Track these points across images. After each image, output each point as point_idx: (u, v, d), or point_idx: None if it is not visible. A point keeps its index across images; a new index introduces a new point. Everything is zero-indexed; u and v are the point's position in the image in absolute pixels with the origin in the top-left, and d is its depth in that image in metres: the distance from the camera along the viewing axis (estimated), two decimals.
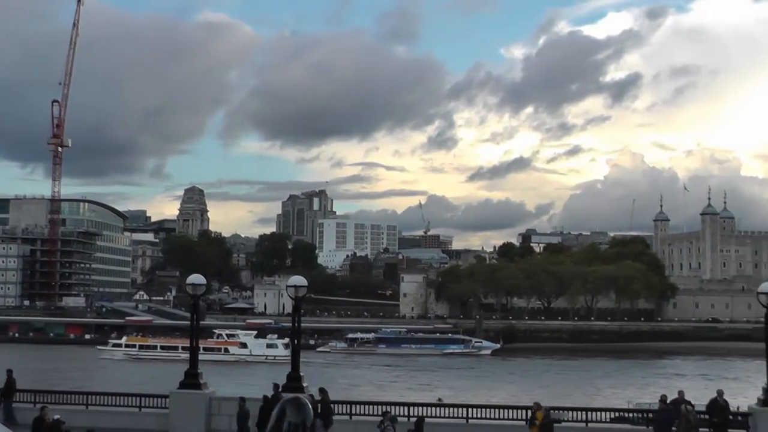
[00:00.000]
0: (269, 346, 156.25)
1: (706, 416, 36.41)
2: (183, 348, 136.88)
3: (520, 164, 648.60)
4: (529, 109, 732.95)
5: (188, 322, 51.02)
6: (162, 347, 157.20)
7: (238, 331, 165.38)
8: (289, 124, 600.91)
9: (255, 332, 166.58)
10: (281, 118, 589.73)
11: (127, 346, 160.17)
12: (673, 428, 34.19)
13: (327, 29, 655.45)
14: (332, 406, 34.61)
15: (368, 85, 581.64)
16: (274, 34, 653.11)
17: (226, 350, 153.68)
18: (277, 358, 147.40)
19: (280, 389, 34.84)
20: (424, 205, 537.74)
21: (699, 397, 41.17)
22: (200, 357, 36.72)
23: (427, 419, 33.80)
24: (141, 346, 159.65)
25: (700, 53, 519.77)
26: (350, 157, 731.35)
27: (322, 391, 34.57)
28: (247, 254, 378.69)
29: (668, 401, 35.88)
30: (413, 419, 34.01)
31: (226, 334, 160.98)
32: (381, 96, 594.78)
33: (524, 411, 35.99)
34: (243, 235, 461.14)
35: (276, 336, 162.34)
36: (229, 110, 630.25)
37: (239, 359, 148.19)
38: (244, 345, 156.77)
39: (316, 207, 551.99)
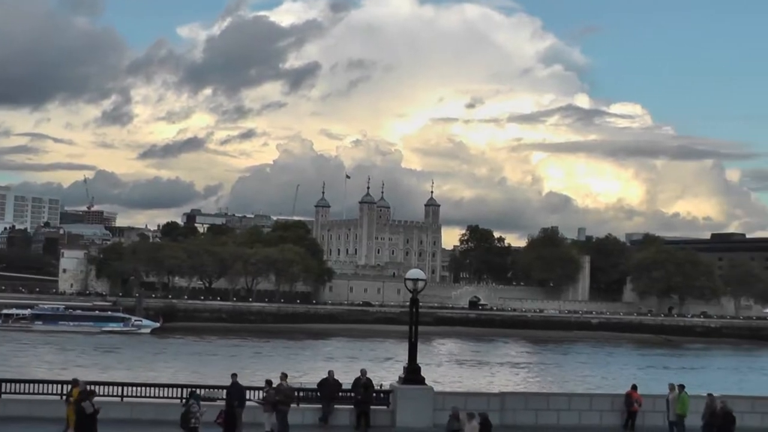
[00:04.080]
0: None
1: (351, 394, 39.85)
2: None
3: (193, 144, 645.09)
4: (208, 91, 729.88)
5: None
6: None
7: None
8: None
9: None
10: None
11: None
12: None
13: None
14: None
15: (43, 53, 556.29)
16: None
17: None
18: None
19: None
20: (93, 181, 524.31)
21: (349, 376, 44.25)
22: None
23: None
24: None
25: (375, 49, 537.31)
26: (18, 127, 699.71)
27: None
28: None
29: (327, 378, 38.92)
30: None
31: None
32: (56, 66, 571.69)
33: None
34: None
35: None
36: None
37: None
38: None
39: None
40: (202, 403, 33.31)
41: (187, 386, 40.38)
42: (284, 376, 37.79)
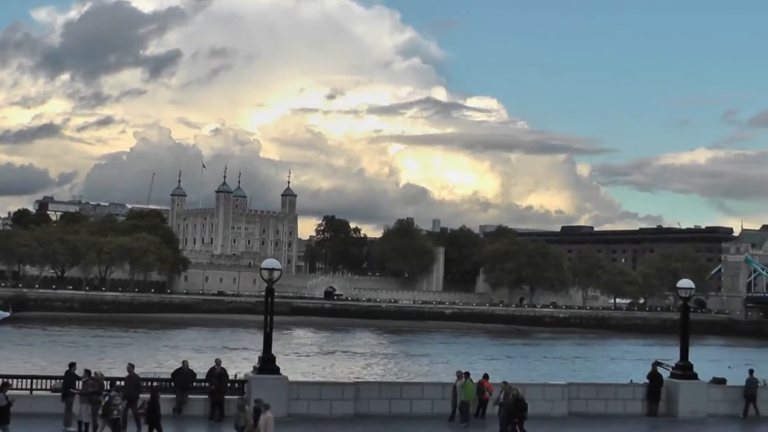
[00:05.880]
0: None
1: (205, 383, 39.82)
2: None
3: (48, 130, 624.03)
4: (66, 76, 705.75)
5: None
6: None
7: None
8: None
9: None
10: None
11: None
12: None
13: None
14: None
15: None
16: None
17: None
18: None
19: None
20: None
21: (203, 366, 44.23)
22: None
23: None
24: None
25: (237, 38, 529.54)
26: None
27: None
28: None
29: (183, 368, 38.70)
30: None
31: None
32: None
33: None
34: None
35: None
36: None
37: None
38: None
39: None
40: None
41: (34, 377, 39.98)
42: (131, 367, 37.51)
